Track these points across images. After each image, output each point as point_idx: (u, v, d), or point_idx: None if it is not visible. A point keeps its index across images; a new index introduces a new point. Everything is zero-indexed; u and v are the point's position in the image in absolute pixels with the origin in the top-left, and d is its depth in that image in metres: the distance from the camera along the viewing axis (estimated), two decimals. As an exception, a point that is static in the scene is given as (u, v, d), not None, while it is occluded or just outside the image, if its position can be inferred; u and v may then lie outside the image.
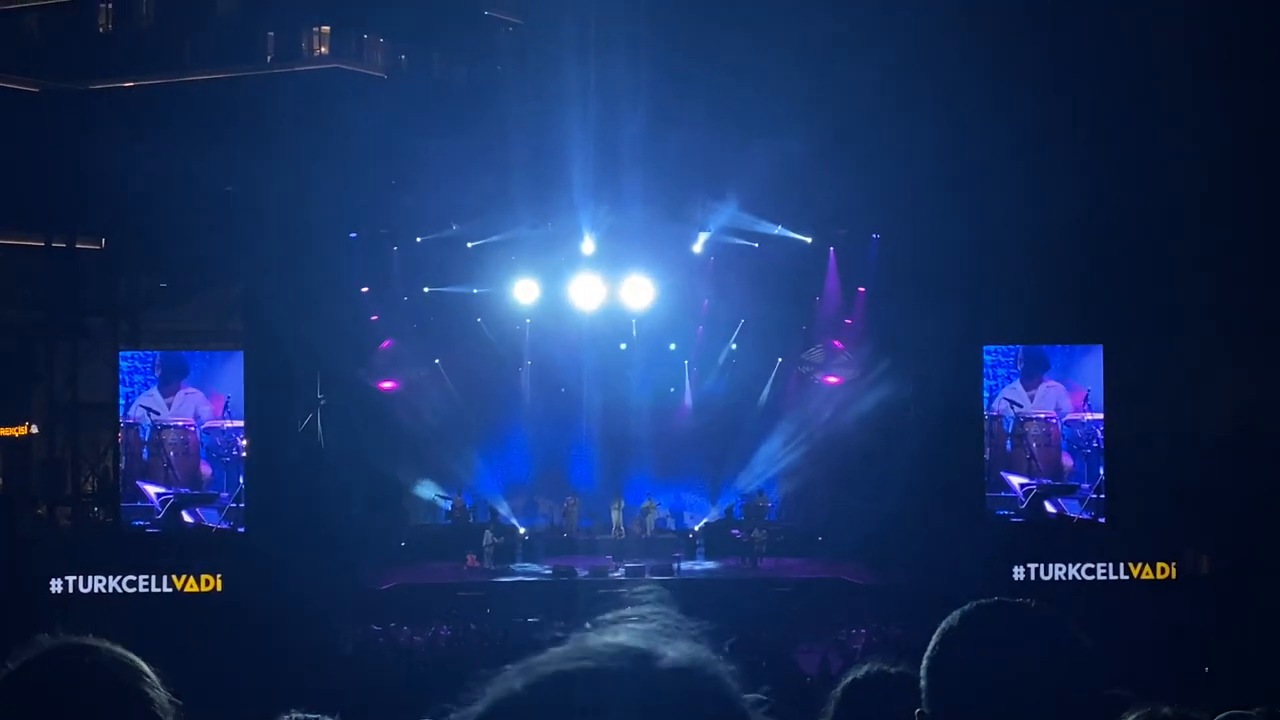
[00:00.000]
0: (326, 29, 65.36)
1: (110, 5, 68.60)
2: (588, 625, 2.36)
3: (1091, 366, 34.34)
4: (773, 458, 38.56)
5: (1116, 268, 35.91)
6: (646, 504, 38.98)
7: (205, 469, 33.92)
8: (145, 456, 33.98)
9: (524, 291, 37.55)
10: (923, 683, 3.37)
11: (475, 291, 37.79)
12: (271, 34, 65.78)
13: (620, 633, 2.24)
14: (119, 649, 2.96)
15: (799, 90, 37.32)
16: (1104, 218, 35.78)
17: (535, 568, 36.31)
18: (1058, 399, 34.25)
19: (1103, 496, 34.09)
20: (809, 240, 37.39)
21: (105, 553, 33.60)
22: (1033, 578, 32.13)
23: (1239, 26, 35.70)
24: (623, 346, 39.39)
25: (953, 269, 34.78)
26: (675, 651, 2.17)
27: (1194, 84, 35.06)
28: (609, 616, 2.39)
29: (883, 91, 36.63)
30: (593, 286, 37.42)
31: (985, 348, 34.42)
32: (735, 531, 37.47)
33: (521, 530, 38.66)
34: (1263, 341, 36.82)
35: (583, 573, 34.82)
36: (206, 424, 33.89)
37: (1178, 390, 36.02)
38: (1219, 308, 36.51)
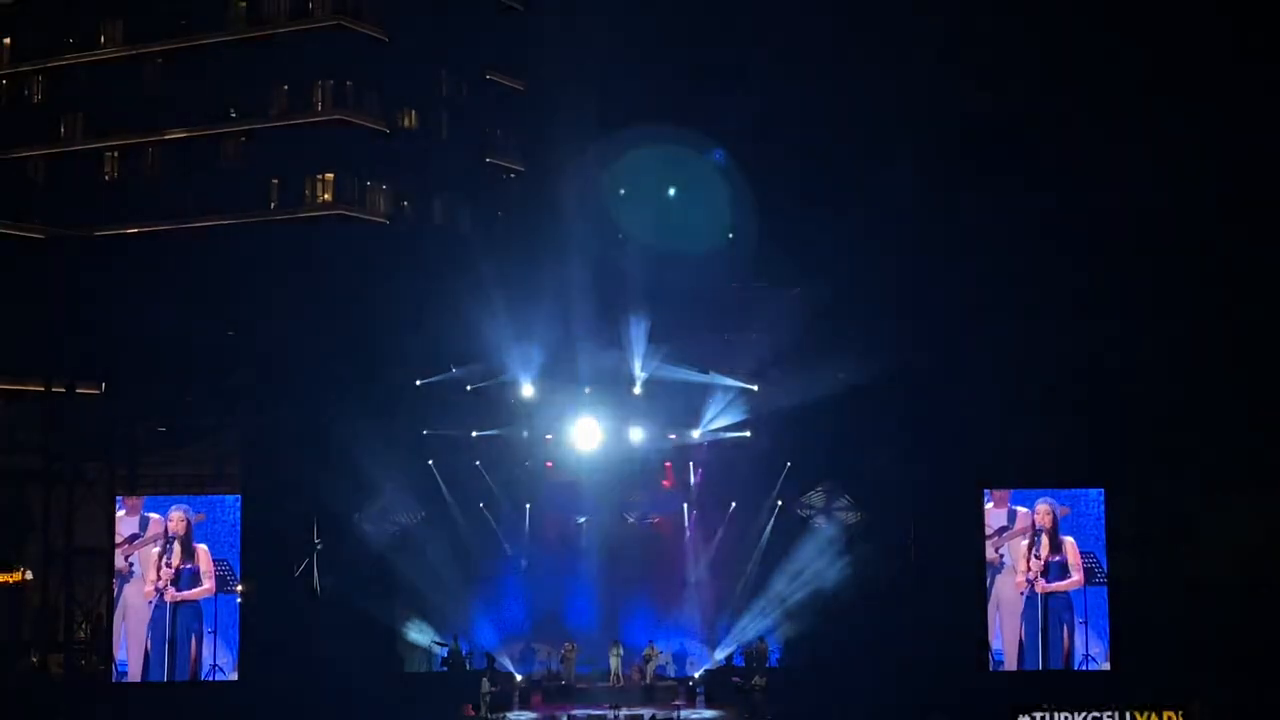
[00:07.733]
0: (330, 176, 66.27)
1: (116, 154, 69.66)
2: None
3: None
4: (773, 602, 38.11)
5: (1118, 411, 35.87)
6: (649, 650, 38.44)
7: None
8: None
9: (524, 434, 37.50)
10: None
11: (475, 434, 37.69)
12: (275, 181, 66.70)
13: None
14: None
15: (800, 234, 37.73)
16: (1108, 363, 35.90)
17: (532, 717, 35.69)
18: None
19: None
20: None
21: (96, 702, 33.09)
22: (1039, 725, 31.84)
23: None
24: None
25: (952, 413, 34.74)
26: None
27: (1184, 243, 35.44)
28: None
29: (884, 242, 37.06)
30: (592, 429, 37.36)
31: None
32: (735, 679, 36.89)
33: (518, 678, 38.10)
34: (1268, 485, 36.62)
35: (581, 721, 34.29)
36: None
37: (1181, 534, 35.72)
38: (1223, 451, 36.38)
